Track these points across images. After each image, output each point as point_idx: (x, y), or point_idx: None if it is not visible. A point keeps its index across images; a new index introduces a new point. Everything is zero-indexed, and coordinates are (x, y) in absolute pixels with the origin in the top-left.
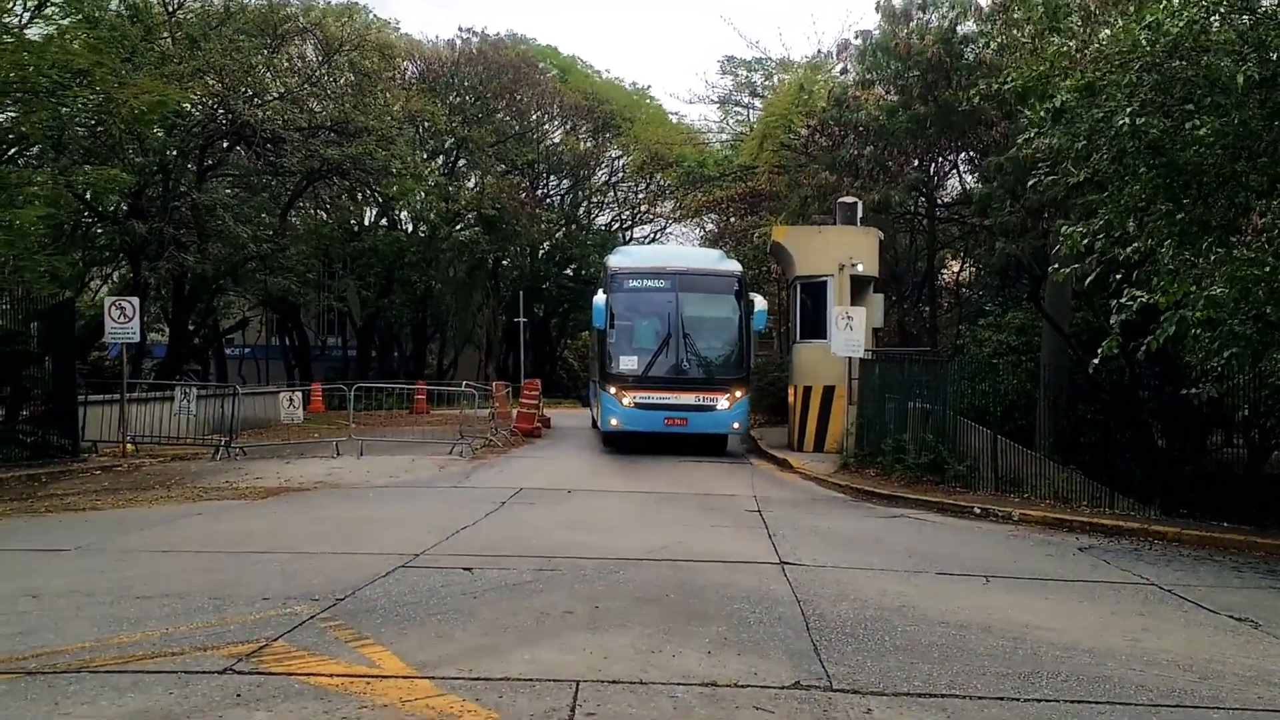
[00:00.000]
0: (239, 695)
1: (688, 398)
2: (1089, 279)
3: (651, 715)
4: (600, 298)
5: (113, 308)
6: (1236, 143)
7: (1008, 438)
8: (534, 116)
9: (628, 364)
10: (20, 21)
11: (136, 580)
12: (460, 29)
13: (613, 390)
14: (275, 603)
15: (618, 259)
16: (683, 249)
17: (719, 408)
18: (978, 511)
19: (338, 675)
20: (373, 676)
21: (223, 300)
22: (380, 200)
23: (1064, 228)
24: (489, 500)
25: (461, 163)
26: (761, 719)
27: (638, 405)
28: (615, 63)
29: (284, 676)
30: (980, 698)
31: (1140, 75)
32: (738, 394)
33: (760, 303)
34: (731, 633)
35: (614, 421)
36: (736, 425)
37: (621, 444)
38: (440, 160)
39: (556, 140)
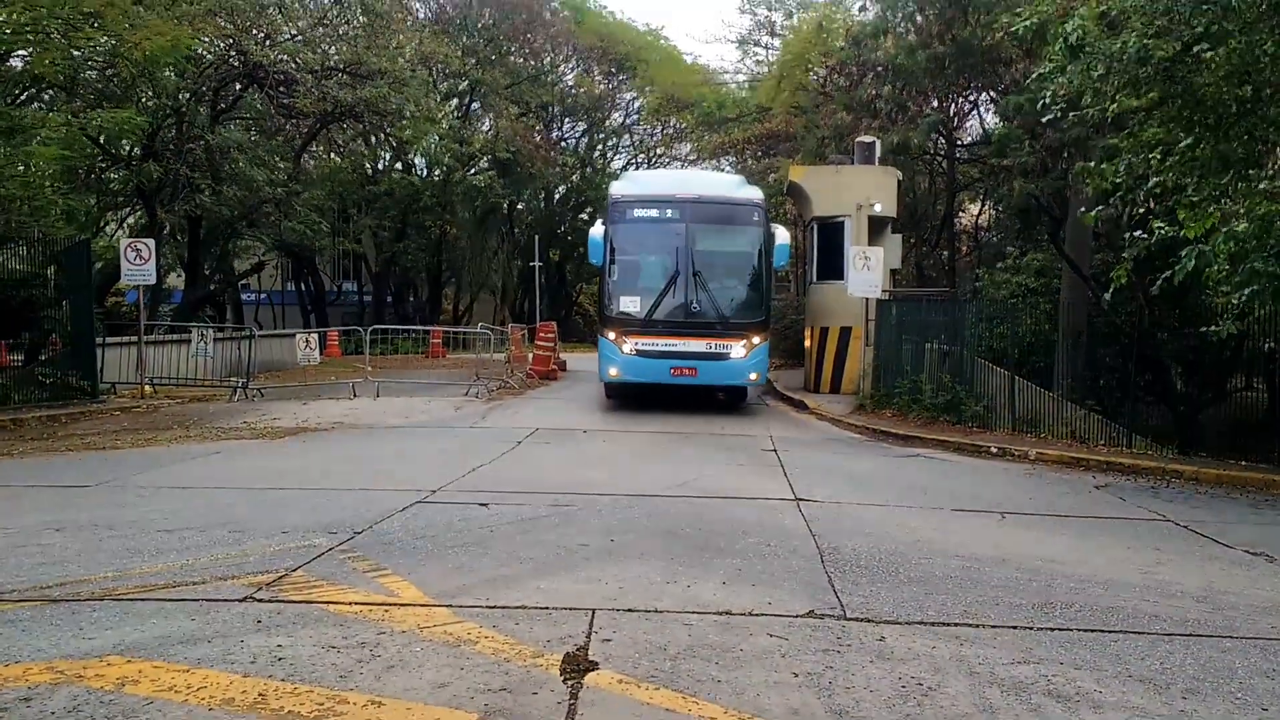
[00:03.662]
0: (259, 621)
1: (698, 344)
2: (1111, 220)
3: (666, 641)
4: (598, 229)
5: (128, 249)
6: (1243, 68)
7: (1026, 379)
8: (548, 59)
9: (629, 305)
10: None
11: (157, 514)
12: None
13: (612, 336)
14: (294, 536)
15: (622, 185)
16: (697, 174)
17: (734, 356)
18: (994, 450)
19: (356, 603)
20: (391, 604)
21: (238, 245)
22: (394, 144)
23: (1088, 166)
24: (505, 439)
25: (475, 106)
26: (776, 645)
27: (640, 353)
28: (630, 3)
29: (304, 604)
30: (994, 626)
31: (1153, 2)
32: (756, 340)
33: (782, 235)
34: (746, 565)
35: (613, 371)
36: (754, 376)
37: (623, 397)
38: (454, 103)
39: (570, 83)
